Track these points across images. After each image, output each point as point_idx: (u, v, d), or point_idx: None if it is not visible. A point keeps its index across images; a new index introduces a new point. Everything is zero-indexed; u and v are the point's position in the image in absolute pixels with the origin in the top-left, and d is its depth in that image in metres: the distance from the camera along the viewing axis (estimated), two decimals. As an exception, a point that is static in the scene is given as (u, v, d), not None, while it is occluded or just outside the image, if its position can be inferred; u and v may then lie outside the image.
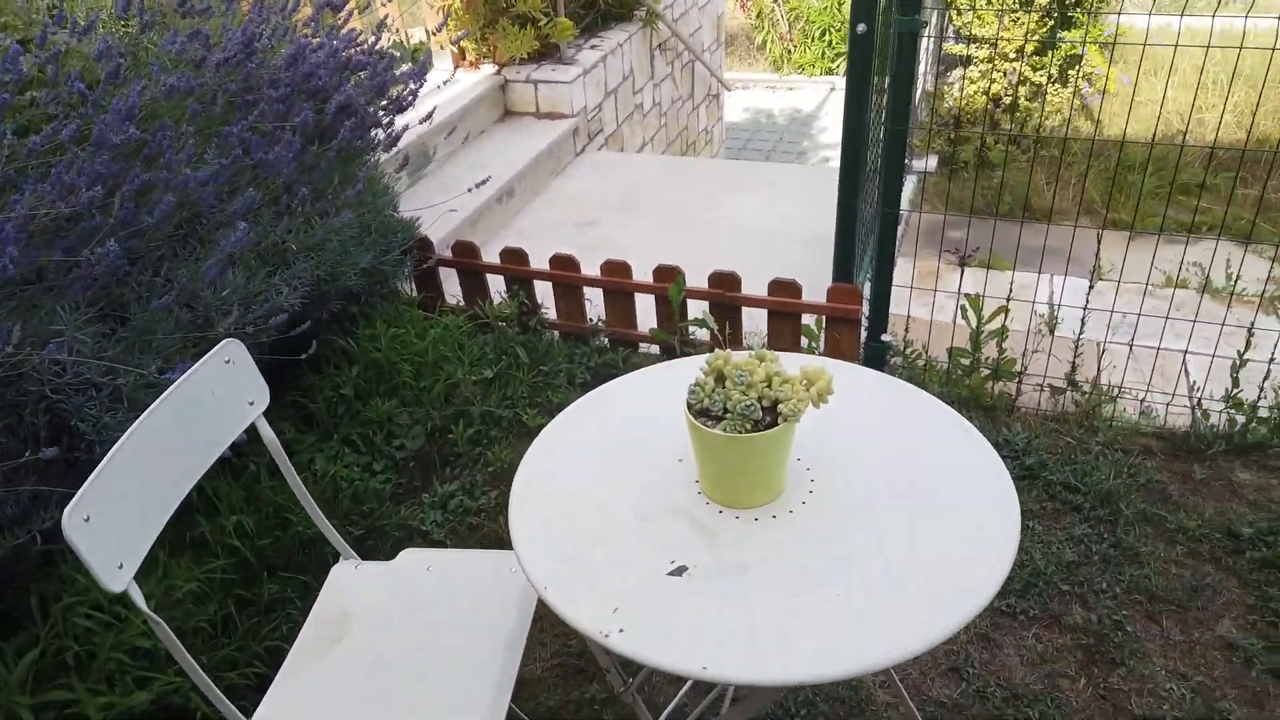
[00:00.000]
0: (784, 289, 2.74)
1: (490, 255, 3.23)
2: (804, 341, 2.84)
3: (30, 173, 1.90)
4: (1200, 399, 2.72)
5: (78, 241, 1.91)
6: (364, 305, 2.98)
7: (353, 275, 2.66)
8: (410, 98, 2.72)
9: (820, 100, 10.38)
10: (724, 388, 1.33)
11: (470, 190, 3.87)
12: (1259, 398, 2.64)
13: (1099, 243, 2.97)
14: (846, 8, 10.41)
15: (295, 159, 2.30)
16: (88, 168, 1.91)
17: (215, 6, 2.60)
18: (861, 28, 2.61)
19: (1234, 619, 2.11)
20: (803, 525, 1.32)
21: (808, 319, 2.81)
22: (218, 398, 1.61)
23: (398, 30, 4.57)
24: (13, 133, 2.08)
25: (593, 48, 5.09)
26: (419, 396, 2.83)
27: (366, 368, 2.81)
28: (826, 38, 10.50)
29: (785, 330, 2.80)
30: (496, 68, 4.76)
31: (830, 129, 9.67)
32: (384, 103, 2.70)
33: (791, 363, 1.38)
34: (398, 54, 2.87)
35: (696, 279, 2.87)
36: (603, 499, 1.42)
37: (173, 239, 2.17)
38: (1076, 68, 5.28)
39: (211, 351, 1.61)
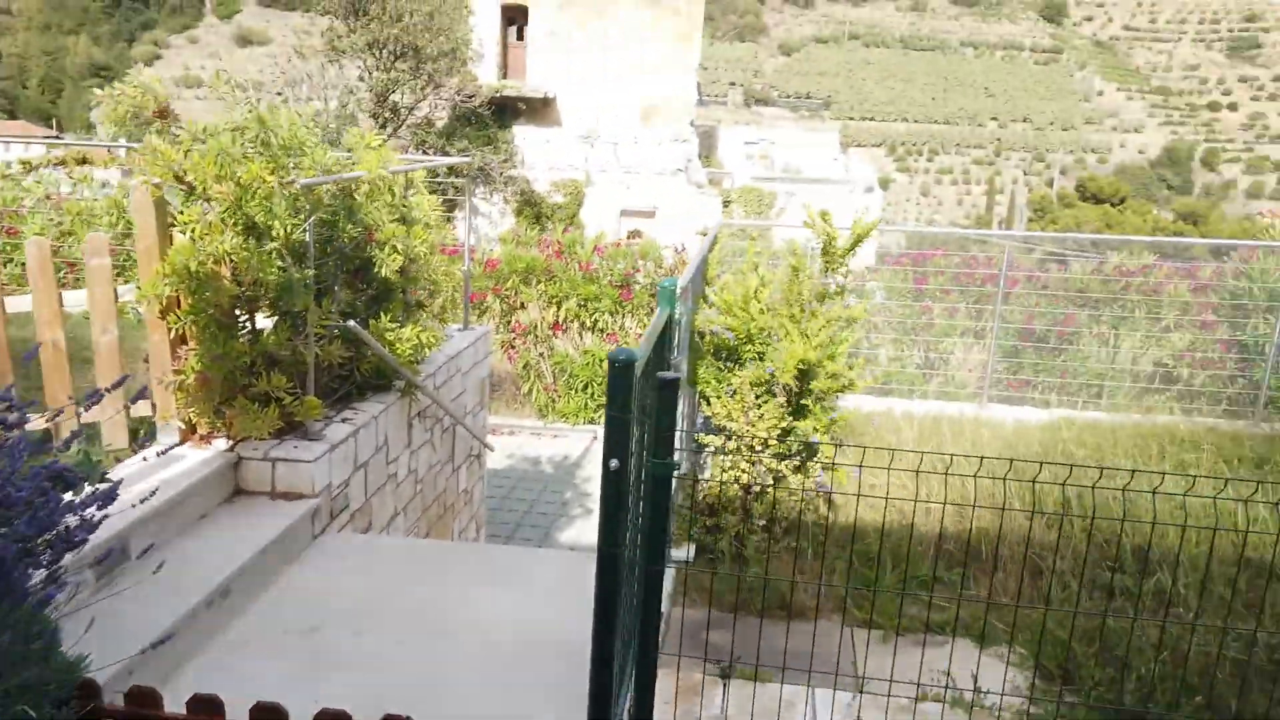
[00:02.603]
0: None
1: (198, 677, 2.66)
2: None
3: None
4: None
5: None
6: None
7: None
8: (84, 533, 2.27)
9: (584, 448, 10.64)
10: None
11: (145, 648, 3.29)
12: None
13: (854, 650, 2.85)
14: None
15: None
16: None
17: None
18: (614, 463, 2.53)
19: None
20: None
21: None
22: None
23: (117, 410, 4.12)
24: None
25: (344, 420, 4.83)
26: None
27: None
28: (589, 389, 10.96)
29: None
30: (230, 443, 4.36)
31: (594, 478, 9.81)
32: (48, 538, 2.24)
33: None
34: (80, 471, 2.44)
35: (431, 710, 2.45)
36: None
37: None
38: (814, 460, 5.61)
39: None
